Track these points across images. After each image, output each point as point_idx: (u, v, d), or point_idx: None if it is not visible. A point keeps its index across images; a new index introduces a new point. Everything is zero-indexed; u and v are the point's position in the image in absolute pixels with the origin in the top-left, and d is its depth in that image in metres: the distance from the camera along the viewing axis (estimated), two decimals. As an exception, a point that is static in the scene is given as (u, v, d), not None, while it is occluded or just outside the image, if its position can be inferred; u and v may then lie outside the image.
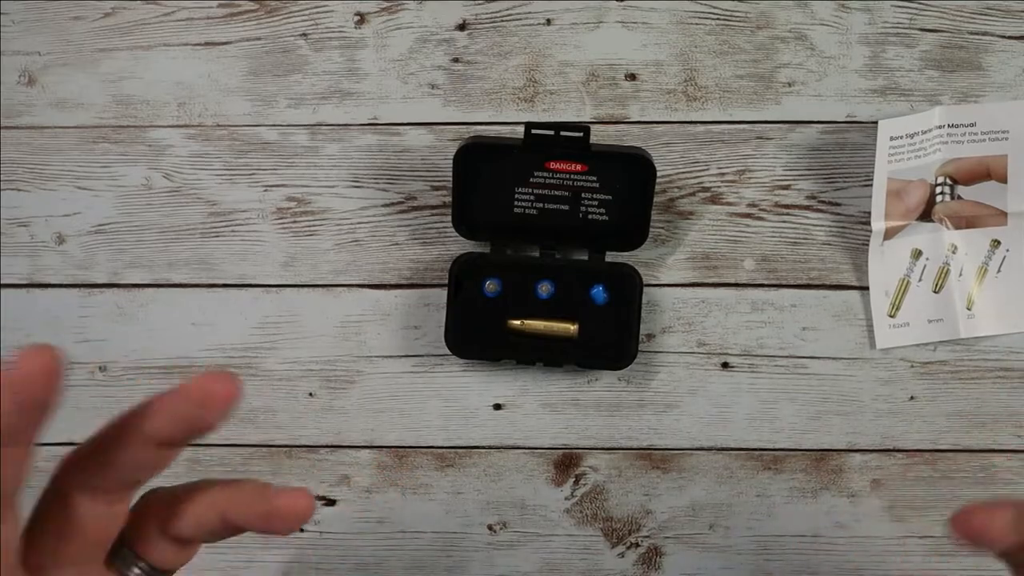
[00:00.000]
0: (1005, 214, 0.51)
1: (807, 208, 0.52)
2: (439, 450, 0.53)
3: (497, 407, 0.52)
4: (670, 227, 0.52)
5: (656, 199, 0.50)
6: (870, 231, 0.51)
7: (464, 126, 0.52)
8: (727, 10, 0.52)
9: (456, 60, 0.52)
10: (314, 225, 0.52)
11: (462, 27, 0.52)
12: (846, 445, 0.52)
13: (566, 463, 0.53)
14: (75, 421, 0.53)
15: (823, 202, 0.52)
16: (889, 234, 0.51)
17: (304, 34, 0.52)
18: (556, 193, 0.49)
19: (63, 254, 0.53)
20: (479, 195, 0.49)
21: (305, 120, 0.52)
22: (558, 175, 0.49)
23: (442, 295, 0.51)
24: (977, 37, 0.51)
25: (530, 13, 0.52)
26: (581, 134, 0.47)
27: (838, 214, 0.52)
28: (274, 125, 0.52)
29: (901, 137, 0.50)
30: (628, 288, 0.50)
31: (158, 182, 0.53)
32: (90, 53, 0.52)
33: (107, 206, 0.53)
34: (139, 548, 0.33)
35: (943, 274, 0.52)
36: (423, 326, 0.52)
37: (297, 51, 0.52)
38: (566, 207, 0.49)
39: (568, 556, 0.53)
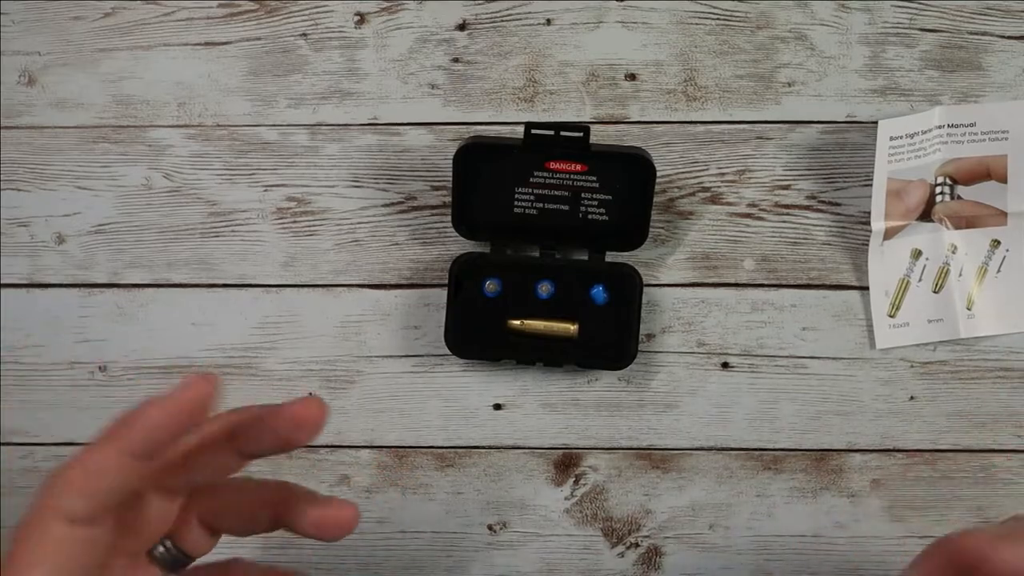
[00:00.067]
0: (1005, 214, 0.51)
1: (807, 208, 0.52)
2: (439, 450, 0.53)
3: (497, 407, 0.52)
4: (670, 227, 0.52)
5: (656, 199, 0.50)
6: (870, 231, 0.51)
7: (464, 126, 0.52)
8: (727, 10, 0.52)
9: (456, 60, 0.52)
10: (314, 225, 0.52)
11: (462, 27, 0.52)
12: (846, 445, 0.52)
13: (566, 463, 0.53)
14: (75, 421, 0.53)
15: (823, 202, 0.52)
16: (889, 234, 0.51)
17: (304, 34, 0.52)
18: (556, 193, 0.49)
19: (63, 254, 0.53)
20: (479, 195, 0.49)
21: (305, 120, 0.52)
22: (558, 175, 0.49)
23: (442, 295, 0.51)
24: (977, 37, 0.51)
25: (530, 13, 0.52)
26: (581, 134, 0.47)
27: (838, 214, 0.52)
28: (274, 125, 0.52)
29: (901, 137, 0.50)
30: (628, 288, 0.50)
31: (158, 182, 0.53)
32: (90, 53, 0.52)
33: (107, 206, 0.53)
34: (176, 535, 0.34)
35: (943, 274, 0.52)
36: (423, 326, 0.52)
37: (297, 51, 0.52)
38: (566, 207, 0.49)
39: (568, 556, 0.53)
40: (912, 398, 0.52)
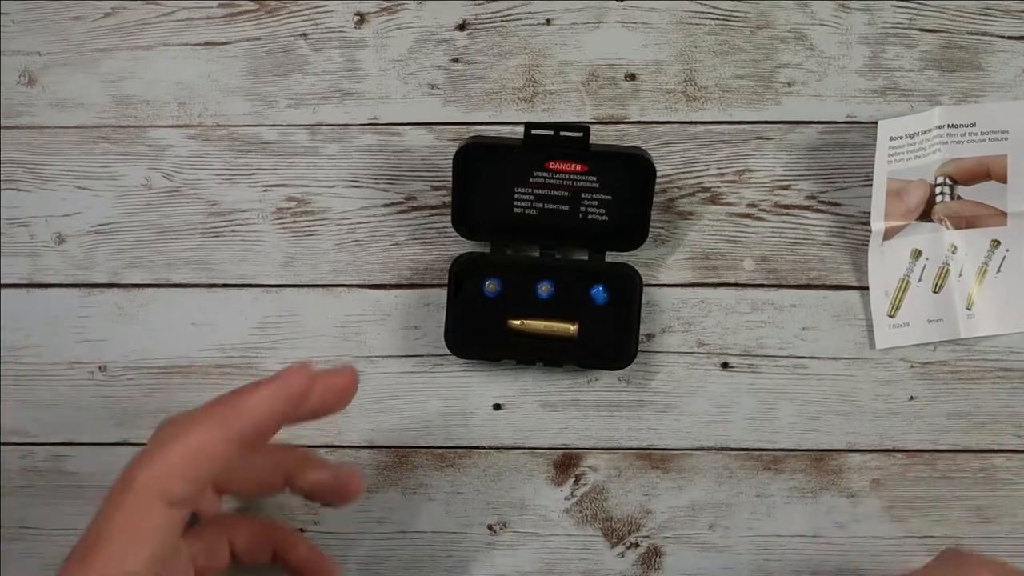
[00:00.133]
0: (1005, 214, 0.51)
1: (807, 208, 0.52)
2: (439, 450, 0.53)
3: (497, 407, 0.52)
4: (670, 227, 0.52)
5: (656, 199, 0.50)
6: (870, 231, 0.51)
7: (464, 126, 0.52)
8: (727, 10, 0.52)
9: (456, 60, 0.52)
10: (314, 225, 0.52)
11: (462, 27, 0.52)
12: (846, 445, 0.52)
13: (566, 463, 0.53)
14: (75, 421, 0.53)
15: (823, 202, 0.52)
16: (889, 234, 0.51)
17: (304, 34, 0.52)
18: (556, 193, 0.49)
19: (63, 254, 0.53)
20: (479, 195, 0.49)
21: (305, 120, 0.52)
22: (558, 175, 0.49)
23: (442, 295, 0.51)
24: (977, 37, 0.51)
25: (530, 13, 0.52)
26: (581, 134, 0.47)
27: (838, 214, 0.52)
28: (274, 125, 0.52)
29: (901, 137, 0.50)
30: (628, 288, 0.50)
31: (158, 182, 0.53)
32: (90, 53, 0.52)
33: (107, 206, 0.53)
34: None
35: (943, 274, 0.52)
36: (423, 326, 0.52)
37: (297, 51, 0.52)
38: (566, 207, 0.49)
39: (568, 556, 0.53)
40: (912, 398, 0.52)
